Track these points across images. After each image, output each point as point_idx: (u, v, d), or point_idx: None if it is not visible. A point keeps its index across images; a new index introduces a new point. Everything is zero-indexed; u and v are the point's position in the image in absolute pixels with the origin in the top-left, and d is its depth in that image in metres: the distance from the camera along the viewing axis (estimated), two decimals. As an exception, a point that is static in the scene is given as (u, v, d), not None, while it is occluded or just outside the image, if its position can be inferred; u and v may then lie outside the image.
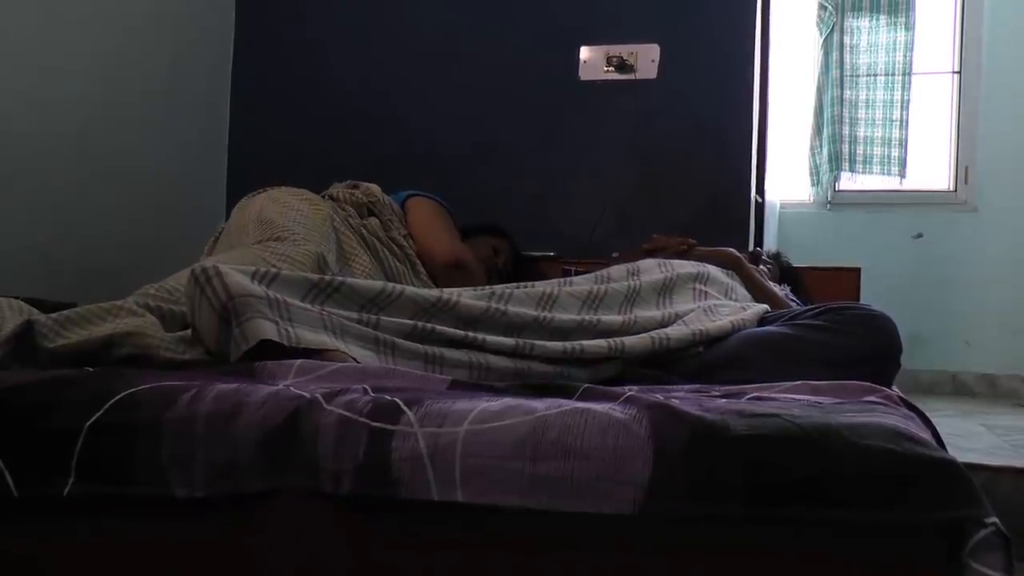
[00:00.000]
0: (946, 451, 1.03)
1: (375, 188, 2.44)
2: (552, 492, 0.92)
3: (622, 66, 2.93)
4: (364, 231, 2.28)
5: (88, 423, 1.04)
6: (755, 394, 1.29)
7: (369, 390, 1.06)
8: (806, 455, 0.90)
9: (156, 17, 2.94)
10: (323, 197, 2.38)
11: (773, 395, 1.29)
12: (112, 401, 1.06)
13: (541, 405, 0.99)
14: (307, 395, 1.02)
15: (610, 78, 2.95)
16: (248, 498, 1.00)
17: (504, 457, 0.94)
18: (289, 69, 3.25)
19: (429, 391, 1.13)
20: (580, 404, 1.00)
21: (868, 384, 1.36)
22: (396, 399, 1.01)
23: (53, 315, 1.40)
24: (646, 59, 2.93)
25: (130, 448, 1.03)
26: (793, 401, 1.21)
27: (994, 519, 0.86)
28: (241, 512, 1.01)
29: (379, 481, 0.96)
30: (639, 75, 2.92)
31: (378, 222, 2.35)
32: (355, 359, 1.29)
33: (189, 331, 1.41)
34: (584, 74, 2.98)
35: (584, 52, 2.97)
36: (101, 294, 2.43)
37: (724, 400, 1.21)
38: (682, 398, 1.23)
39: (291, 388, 1.06)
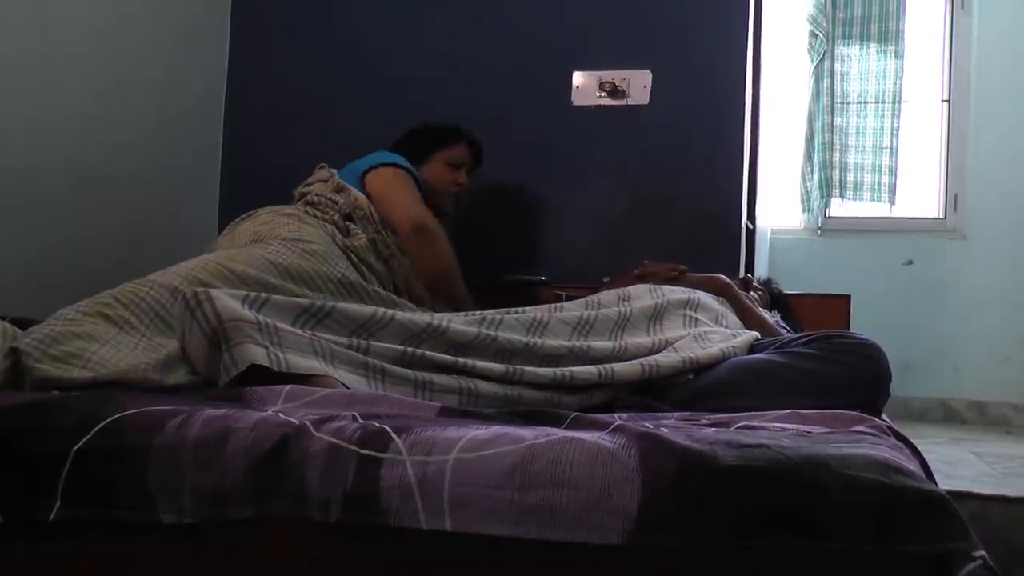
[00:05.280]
0: (935, 482, 1.03)
1: (363, 201, 2.35)
2: (540, 522, 0.92)
3: (614, 92, 2.94)
4: (353, 256, 2.23)
5: (75, 448, 1.03)
6: (744, 423, 1.29)
7: (358, 416, 1.05)
8: (795, 486, 0.90)
9: (150, 34, 2.94)
10: (299, 198, 2.35)
11: (762, 424, 1.29)
12: (99, 426, 1.05)
13: (530, 434, 0.99)
14: (296, 422, 1.02)
15: (602, 103, 2.97)
16: (236, 524, 1.00)
17: (492, 486, 0.93)
18: (284, 86, 3.25)
19: (418, 418, 1.13)
20: (569, 433, 1.00)
21: (857, 413, 1.36)
22: (385, 426, 1.01)
23: (37, 335, 1.39)
24: (638, 85, 2.94)
25: (117, 473, 1.02)
26: (782, 431, 1.21)
27: (982, 552, 0.86)
28: (229, 538, 1.01)
29: (367, 509, 0.95)
30: (631, 101, 2.94)
31: (365, 242, 2.28)
32: (345, 385, 1.29)
33: (163, 357, 1.40)
34: (577, 99, 3.00)
35: (577, 77, 2.99)
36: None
37: (713, 429, 1.21)
38: (671, 427, 1.23)
39: (280, 414, 1.06)
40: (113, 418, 1.06)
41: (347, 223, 2.28)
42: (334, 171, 2.44)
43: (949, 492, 2.28)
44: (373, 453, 0.97)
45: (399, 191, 2.39)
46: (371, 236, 2.28)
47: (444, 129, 2.63)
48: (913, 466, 1.03)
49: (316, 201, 2.33)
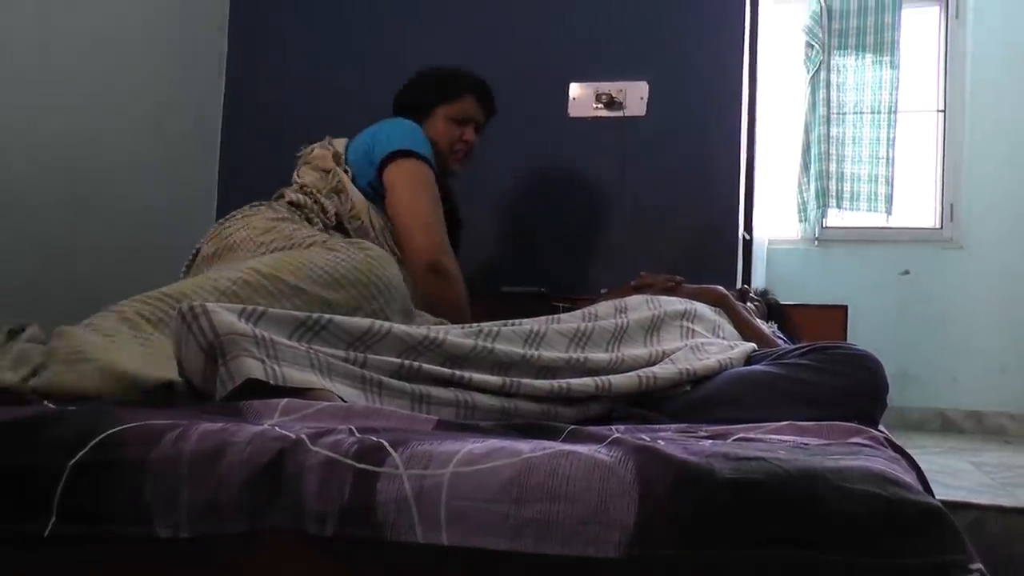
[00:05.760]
0: (932, 495, 1.03)
1: (362, 209, 2.15)
2: (538, 535, 0.92)
3: (611, 103, 2.96)
4: None
5: (71, 462, 1.03)
6: (741, 435, 1.29)
7: (355, 430, 1.05)
8: (791, 499, 0.90)
9: (148, 48, 2.96)
10: (280, 198, 2.17)
11: (759, 436, 1.29)
12: (96, 440, 1.05)
13: (526, 447, 0.99)
14: (292, 435, 1.02)
15: (599, 115, 2.98)
16: (233, 538, 0.99)
17: (489, 500, 0.93)
18: (281, 100, 3.26)
19: (415, 431, 1.13)
20: (565, 446, 1.00)
21: (855, 425, 1.36)
22: (382, 440, 1.01)
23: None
24: (635, 96, 2.95)
25: (113, 487, 1.02)
26: (779, 443, 1.21)
27: (979, 565, 0.86)
28: (226, 552, 1.00)
29: (364, 523, 0.95)
30: (627, 112, 2.95)
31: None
32: (342, 398, 1.29)
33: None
34: (573, 111, 3.01)
35: (573, 89, 3.00)
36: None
37: (710, 442, 1.21)
38: (668, 439, 1.24)
39: (276, 428, 1.06)
40: (109, 432, 1.06)
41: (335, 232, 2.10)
42: (339, 147, 2.23)
43: (947, 502, 2.28)
44: (370, 467, 0.97)
45: (422, 208, 2.17)
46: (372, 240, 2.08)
47: (447, 79, 2.43)
48: (910, 478, 1.03)
49: (300, 202, 2.14)
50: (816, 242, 4.88)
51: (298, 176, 2.26)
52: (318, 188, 2.16)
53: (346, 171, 2.22)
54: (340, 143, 2.30)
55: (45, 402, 1.33)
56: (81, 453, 1.04)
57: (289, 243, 1.93)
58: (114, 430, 1.06)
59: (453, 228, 2.43)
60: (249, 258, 1.88)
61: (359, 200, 2.15)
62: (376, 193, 2.24)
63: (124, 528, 1.01)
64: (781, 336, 2.39)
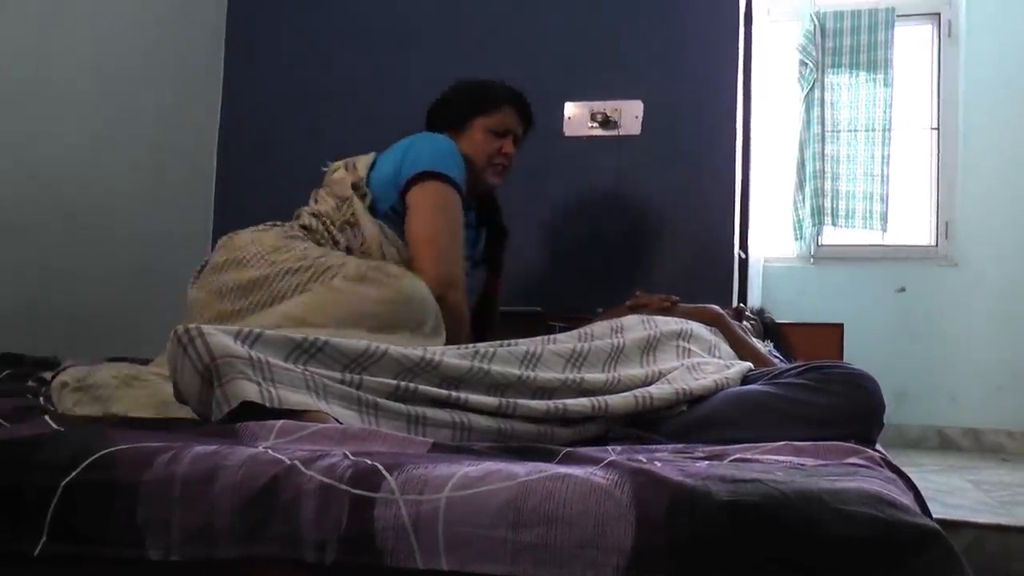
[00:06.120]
0: (929, 516, 1.03)
1: (373, 243, 2.06)
2: (536, 560, 0.92)
3: (606, 122, 2.96)
4: None
5: (64, 482, 1.03)
6: (738, 455, 1.29)
7: (349, 454, 1.05)
8: (788, 522, 0.90)
9: (144, 76, 2.97)
10: (297, 223, 2.12)
11: (756, 456, 1.29)
12: (88, 461, 1.05)
13: (522, 470, 0.99)
14: (285, 460, 1.02)
15: (594, 134, 2.98)
16: (225, 563, 0.99)
17: (487, 525, 0.93)
18: (277, 128, 3.27)
19: (410, 454, 1.12)
20: (561, 469, 1.00)
21: (851, 445, 1.36)
22: (376, 464, 1.01)
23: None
24: (630, 115, 2.96)
25: (105, 509, 1.02)
26: (776, 463, 1.21)
27: (977, 587, 0.86)
28: (219, 576, 1.00)
29: (364, 551, 0.95)
30: (623, 131, 2.95)
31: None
32: (337, 420, 1.28)
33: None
34: (568, 130, 3.01)
35: (568, 108, 3.00)
36: (85, 348, 2.43)
37: (707, 463, 1.20)
38: (665, 459, 1.23)
39: (270, 451, 1.05)
40: (102, 453, 1.06)
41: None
42: (363, 169, 2.16)
43: (946, 521, 2.28)
44: (366, 493, 0.97)
45: (436, 236, 2.09)
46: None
47: (485, 90, 2.35)
48: (907, 499, 1.02)
49: (313, 227, 2.10)
50: (812, 260, 4.88)
51: (315, 199, 2.21)
52: (331, 219, 2.10)
53: (365, 195, 2.15)
54: (365, 163, 2.22)
55: (46, 417, 1.33)
56: (73, 474, 1.04)
57: (299, 263, 1.89)
58: (106, 451, 1.06)
59: (499, 241, 2.43)
60: (258, 274, 1.89)
61: (372, 235, 2.07)
62: (398, 216, 2.17)
63: (115, 550, 1.01)
64: (777, 355, 2.39)
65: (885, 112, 4.74)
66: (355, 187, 2.13)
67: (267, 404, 1.24)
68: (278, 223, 2.14)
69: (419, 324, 1.83)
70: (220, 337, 1.28)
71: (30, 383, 1.87)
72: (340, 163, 2.25)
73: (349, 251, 2.06)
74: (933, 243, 4.78)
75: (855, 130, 4.80)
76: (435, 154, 2.16)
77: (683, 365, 1.85)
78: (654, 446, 1.47)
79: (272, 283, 1.86)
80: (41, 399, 1.63)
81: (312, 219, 2.12)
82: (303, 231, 2.09)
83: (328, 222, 2.10)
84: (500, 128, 2.32)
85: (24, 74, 2.49)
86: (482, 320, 2.39)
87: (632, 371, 1.79)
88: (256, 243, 1.97)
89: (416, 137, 2.25)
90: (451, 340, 2.03)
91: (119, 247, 2.84)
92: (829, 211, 4.79)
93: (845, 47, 4.81)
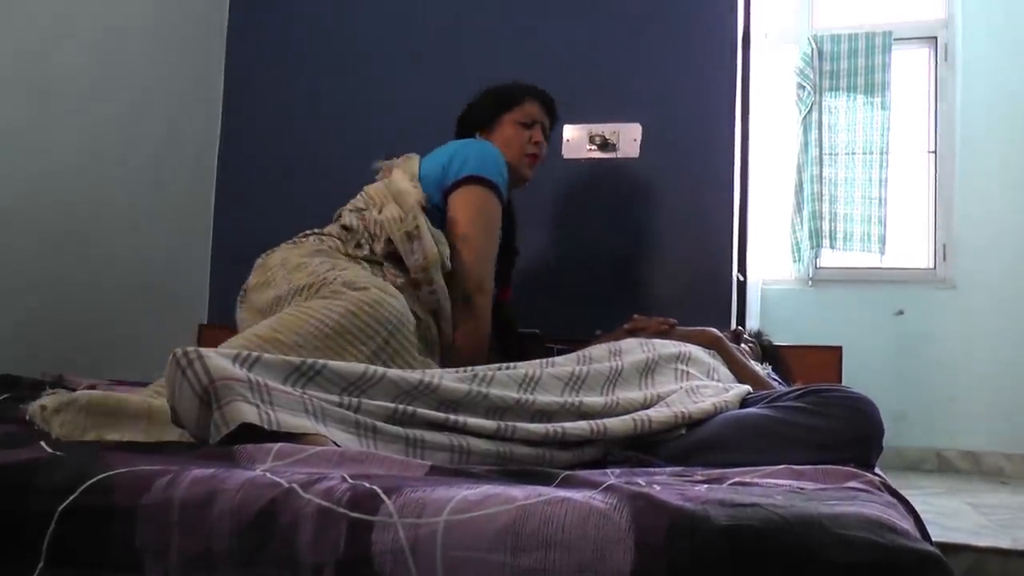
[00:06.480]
0: (930, 540, 1.02)
1: (433, 258, 2.05)
2: (534, 584, 0.91)
3: (604, 145, 2.97)
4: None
5: (61, 507, 1.03)
6: (737, 479, 1.28)
7: (347, 477, 1.05)
8: (788, 546, 0.90)
9: (144, 101, 2.97)
10: (338, 224, 2.16)
11: (755, 480, 1.28)
12: (86, 485, 1.05)
13: (520, 493, 0.98)
14: (284, 483, 1.01)
15: (593, 156, 2.99)
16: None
17: (485, 549, 0.93)
18: (275, 154, 3.28)
19: (408, 477, 1.12)
20: (560, 492, 1.00)
21: (851, 469, 1.35)
22: (375, 487, 1.00)
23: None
24: (628, 138, 2.97)
25: (103, 533, 1.02)
26: (775, 487, 1.20)
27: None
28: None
29: (361, 574, 0.94)
30: (621, 154, 2.96)
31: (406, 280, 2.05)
32: (336, 443, 1.28)
33: None
34: (567, 152, 3.02)
35: (567, 131, 3.01)
36: (85, 368, 2.42)
37: (706, 486, 1.20)
38: (664, 483, 1.23)
39: (267, 475, 1.05)
40: (100, 477, 1.06)
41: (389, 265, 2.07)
42: (415, 170, 2.22)
43: (947, 544, 2.27)
44: (364, 516, 0.96)
45: (474, 238, 2.16)
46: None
47: (506, 88, 2.47)
48: (907, 524, 1.02)
49: (354, 227, 2.12)
50: (810, 282, 4.89)
51: (365, 199, 2.21)
52: (394, 227, 2.08)
53: (425, 209, 2.16)
54: (414, 165, 2.27)
55: (42, 443, 1.33)
56: (71, 498, 1.04)
57: (308, 280, 1.91)
58: (104, 475, 1.06)
59: (509, 259, 2.50)
60: (276, 294, 1.93)
61: (431, 252, 2.06)
62: (440, 213, 2.22)
63: (114, 574, 1.01)
64: (776, 378, 2.39)
65: (883, 135, 4.76)
66: (423, 207, 2.14)
67: (266, 427, 1.24)
68: (314, 231, 2.17)
69: (385, 340, 1.81)
70: (219, 359, 1.28)
71: (25, 405, 1.86)
72: (391, 164, 2.30)
73: (386, 257, 2.07)
74: (931, 266, 4.80)
75: (853, 153, 4.82)
76: (480, 159, 2.24)
77: (682, 388, 1.84)
78: (653, 469, 1.47)
79: (284, 302, 1.89)
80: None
81: (354, 218, 2.14)
82: (343, 231, 2.13)
83: (393, 226, 2.08)
84: (527, 119, 2.41)
85: (24, 90, 2.50)
86: (502, 328, 2.49)
87: (631, 394, 1.79)
88: (283, 263, 2.02)
89: (464, 142, 2.34)
90: (470, 343, 2.13)
91: (117, 264, 2.84)
92: (827, 233, 4.80)
93: (843, 70, 4.84)
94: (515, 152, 2.38)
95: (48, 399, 1.54)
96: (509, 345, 2.50)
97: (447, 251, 2.11)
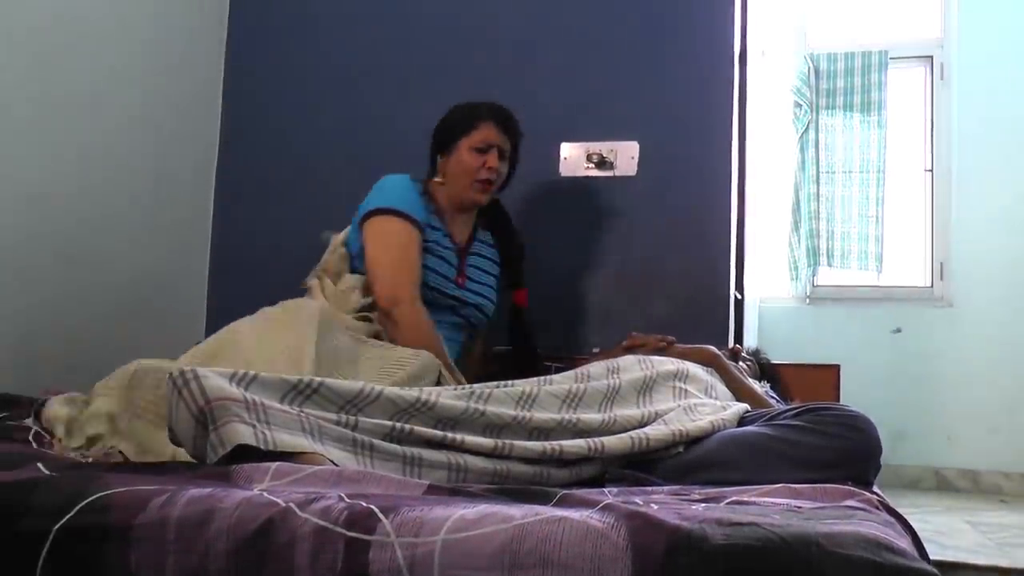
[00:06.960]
0: (927, 559, 1.02)
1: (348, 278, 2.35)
2: (531, 603, 0.91)
3: (602, 163, 2.97)
4: None
5: (57, 526, 1.03)
6: (735, 498, 1.28)
7: (344, 496, 1.04)
8: (785, 565, 0.90)
9: (143, 114, 2.97)
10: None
11: (753, 499, 1.28)
12: (82, 504, 1.04)
13: (518, 512, 0.98)
14: (280, 502, 1.01)
15: (590, 174, 2.99)
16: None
17: (483, 568, 0.92)
18: (274, 167, 3.28)
19: (405, 496, 1.12)
20: (558, 511, 0.99)
21: (848, 487, 1.35)
22: (372, 506, 1.00)
23: None
24: (625, 156, 2.97)
25: (99, 553, 1.01)
26: (773, 506, 1.20)
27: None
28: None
29: None
30: (618, 172, 2.96)
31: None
32: (333, 462, 1.28)
33: None
34: (564, 170, 3.02)
35: (564, 148, 3.02)
36: (82, 386, 2.42)
37: (703, 505, 1.20)
38: (661, 501, 1.23)
39: (264, 494, 1.05)
40: (96, 496, 1.05)
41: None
42: (342, 243, 2.43)
43: (945, 563, 2.26)
44: (361, 536, 0.96)
45: (379, 260, 2.31)
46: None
47: (464, 110, 2.51)
48: (905, 543, 1.02)
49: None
50: (807, 300, 4.90)
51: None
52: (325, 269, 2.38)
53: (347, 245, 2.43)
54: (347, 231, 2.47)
55: (39, 464, 1.32)
56: (67, 518, 1.03)
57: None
58: (101, 494, 1.06)
59: (515, 259, 2.63)
60: None
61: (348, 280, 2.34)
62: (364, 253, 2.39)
63: (110, 594, 1.00)
64: (774, 396, 2.39)
65: (879, 153, 4.78)
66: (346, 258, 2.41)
67: (262, 447, 1.24)
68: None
69: (297, 352, 1.88)
70: (215, 379, 1.28)
71: (25, 422, 1.86)
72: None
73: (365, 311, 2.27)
74: (928, 284, 4.80)
75: (849, 171, 4.84)
76: (377, 194, 2.40)
77: (679, 406, 1.84)
78: (651, 488, 1.46)
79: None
80: (33, 442, 1.63)
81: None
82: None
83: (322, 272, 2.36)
84: (482, 144, 2.46)
85: (20, 106, 2.50)
86: (517, 332, 2.63)
87: (628, 412, 1.79)
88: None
89: (375, 184, 2.47)
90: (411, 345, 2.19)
91: (113, 282, 2.83)
92: (824, 252, 4.82)
93: (839, 89, 4.87)
94: (465, 177, 2.45)
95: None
96: (522, 361, 2.57)
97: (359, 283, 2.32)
